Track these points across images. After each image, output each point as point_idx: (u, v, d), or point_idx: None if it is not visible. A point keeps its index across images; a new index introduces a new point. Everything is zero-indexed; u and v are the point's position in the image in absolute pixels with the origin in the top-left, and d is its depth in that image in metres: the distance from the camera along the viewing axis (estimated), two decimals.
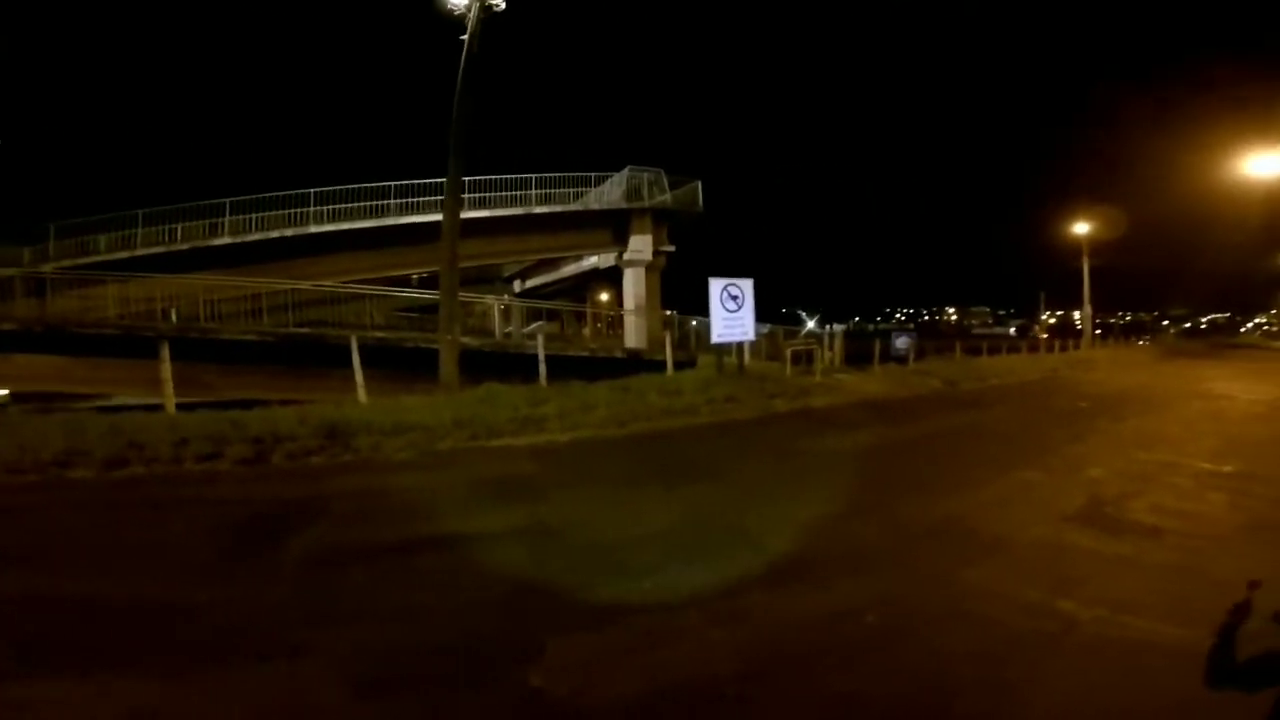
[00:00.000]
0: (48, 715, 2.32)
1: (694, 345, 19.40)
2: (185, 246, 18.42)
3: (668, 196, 23.78)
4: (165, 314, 15.61)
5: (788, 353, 14.72)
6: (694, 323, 20.60)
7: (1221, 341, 52.83)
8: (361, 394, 10.24)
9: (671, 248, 24.66)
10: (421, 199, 20.20)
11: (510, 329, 20.16)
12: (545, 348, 12.79)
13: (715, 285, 12.32)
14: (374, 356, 11.69)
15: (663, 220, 24.24)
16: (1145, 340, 43.71)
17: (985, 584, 3.44)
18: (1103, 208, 31.90)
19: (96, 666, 2.57)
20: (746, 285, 12.62)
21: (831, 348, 19.30)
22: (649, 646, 2.78)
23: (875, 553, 3.89)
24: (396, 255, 20.79)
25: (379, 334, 15.18)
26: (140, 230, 18.33)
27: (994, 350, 24.82)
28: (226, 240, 18.91)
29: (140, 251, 17.83)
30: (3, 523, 4.57)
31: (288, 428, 7.45)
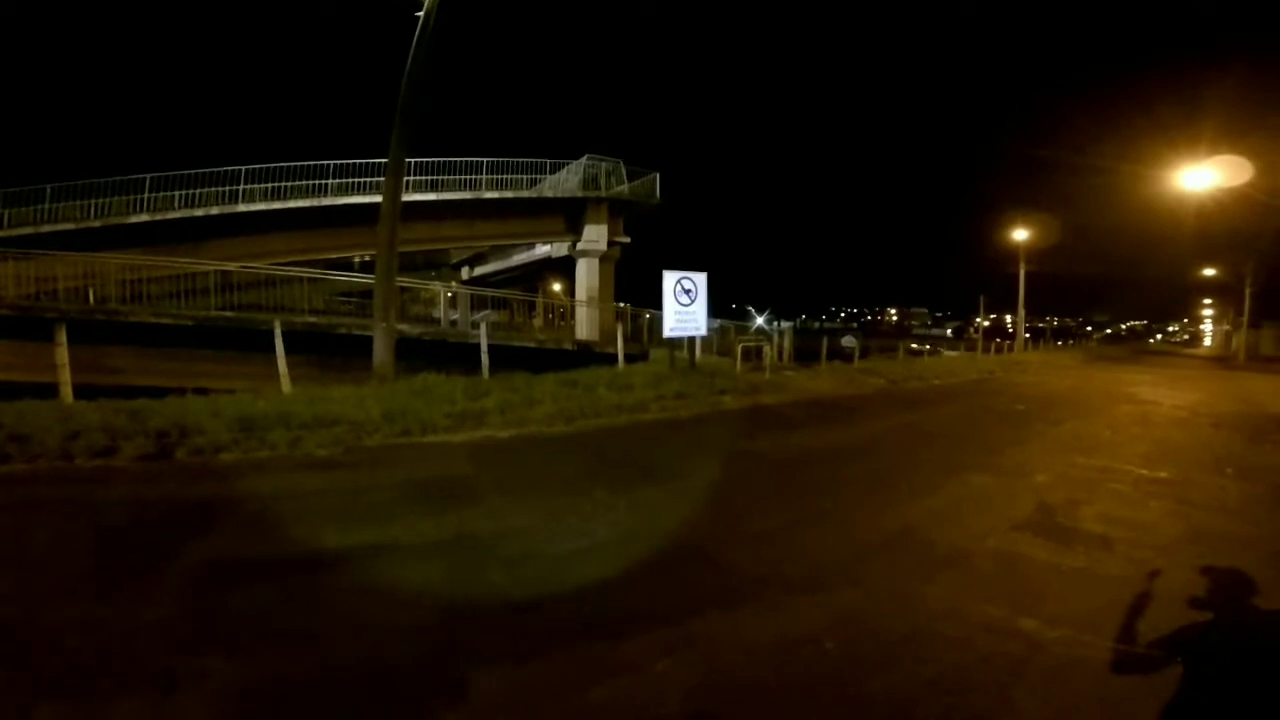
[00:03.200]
0: None
1: (647, 339, 19.17)
2: (98, 223, 17.01)
3: (625, 187, 23.43)
4: (77, 295, 14.32)
5: (738, 349, 14.63)
6: (647, 315, 20.36)
7: (1139, 348, 56.20)
8: (285, 383, 9.54)
9: (627, 239, 24.33)
10: (364, 179, 19.27)
11: (456, 317, 19.45)
12: (491, 337, 12.27)
13: (669, 278, 12.07)
14: (305, 343, 11.02)
15: (619, 211, 23.88)
16: (1070, 344, 46.04)
17: (945, 601, 3.27)
18: (1040, 215, 33.22)
19: None
20: (700, 279, 12.42)
21: (781, 345, 19.38)
22: (585, 683, 2.47)
23: (831, 568, 3.67)
24: (336, 237, 19.80)
25: (310, 319, 14.32)
26: (47, 205, 16.80)
27: (933, 351, 25.50)
28: (146, 218, 17.54)
29: (46, 228, 16.35)
30: None
31: (197, 420, 6.79)
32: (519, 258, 29.16)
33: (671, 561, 3.71)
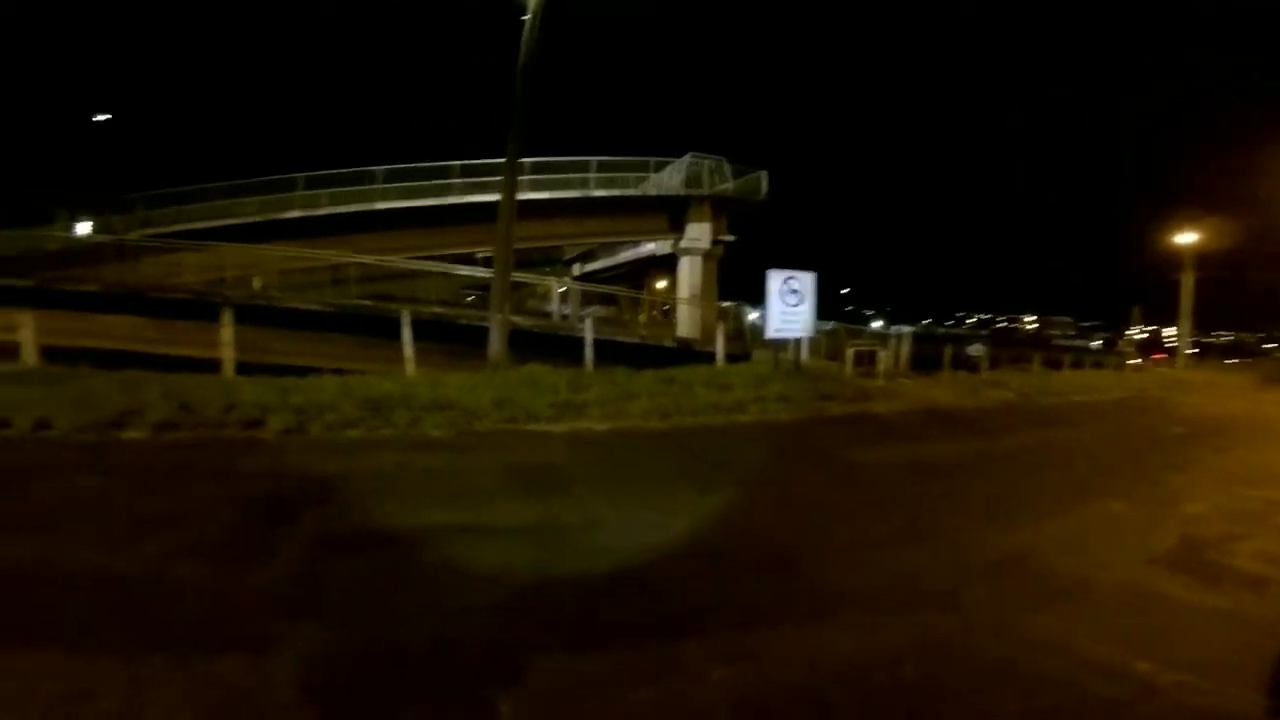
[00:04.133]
0: None
1: (749, 339, 18.85)
2: (260, 219, 19.20)
3: (729, 185, 23.15)
4: (243, 282, 16.30)
5: (849, 353, 14.02)
6: (751, 316, 20.02)
7: None
8: (410, 368, 10.32)
9: (731, 237, 24.04)
10: (485, 179, 20.34)
11: (568, 311, 20.11)
12: (596, 332, 12.60)
13: (775, 278, 11.79)
14: (429, 331, 11.81)
15: (723, 209, 23.64)
16: (1239, 362, 39.43)
17: (1051, 634, 2.94)
18: (1212, 217, 29.00)
19: (54, 641, 2.48)
20: (808, 279, 12.05)
21: (897, 350, 18.34)
22: (635, 681, 2.46)
23: (926, 589, 3.42)
24: (461, 233, 21.06)
25: (435, 310, 15.38)
26: (222, 202, 19.24)
27: (1076, 364, 23.07)
28: (298, 214, 19.59)
29: (218, 222, 18.71)
30: (36, 485, 4.68)
31: (331, 398, 7.50)
32: (626, 255, 29.66)
33: (750, 568, 3.62)
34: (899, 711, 2.36)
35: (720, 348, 13.88)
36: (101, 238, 16.92)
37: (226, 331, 10.31)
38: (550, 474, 5.39)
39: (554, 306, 20.94)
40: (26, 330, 11.04)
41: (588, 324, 13.46)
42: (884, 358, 14.48)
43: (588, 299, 24.27)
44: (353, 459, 5.70)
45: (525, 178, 19.99)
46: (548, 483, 5.08)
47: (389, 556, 3.54)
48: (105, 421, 6.63)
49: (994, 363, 19.36)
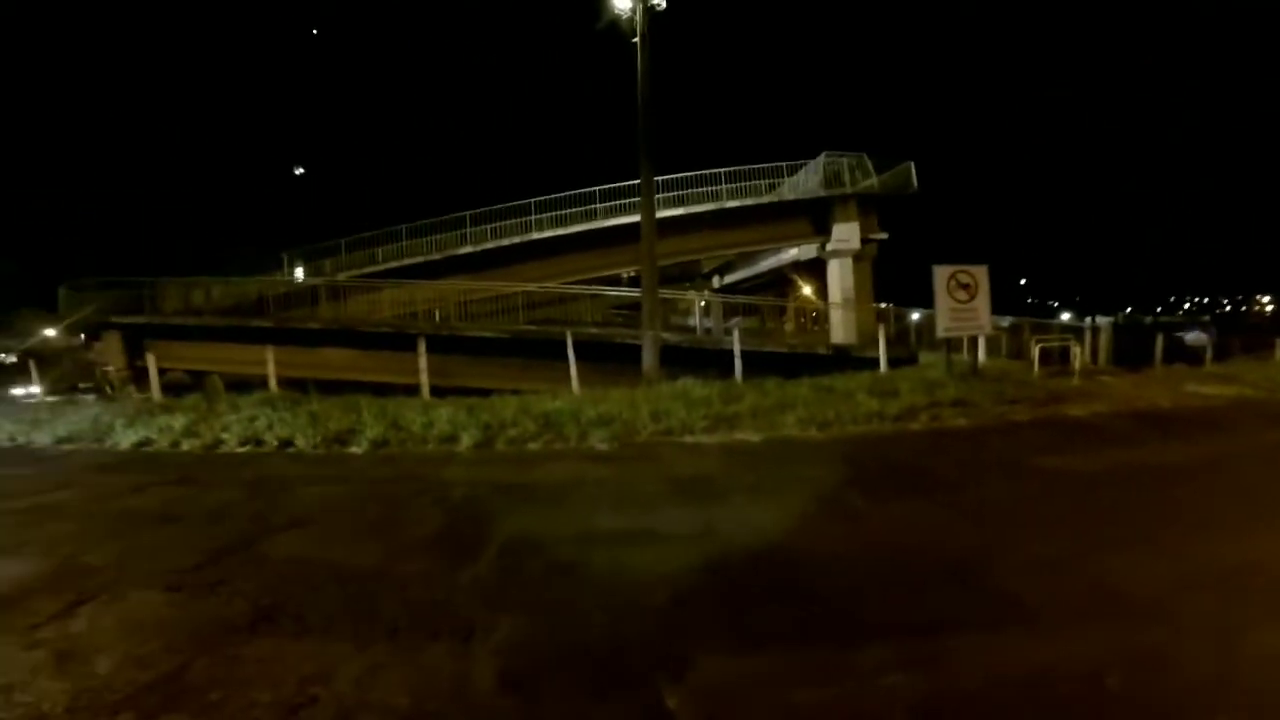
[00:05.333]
0: (240, 673, 2.73)
1: (914, 341, 17.70)
2: (438, 256, 21.58)
3: (874, 180, 21.98)
4: (428, 314, 18.44)
5: (1035, 350, 12.66)
6: (914, 316, 18.78)
7: None
8: (575, 386, 11.05)
9: (883, 235, 22.76)
10: (625, 201, 21.21)
11: (710, 324, 20.26)
12: (743, 343, 12.60)
13: (941, 273, 11.03)
14: (588, 351, 12.57)
15: (870, 206, 22.48)
16: None
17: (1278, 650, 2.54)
18: None
19: (304, 628, 3.08)
20: (980, 272, 11.12)
21: (1094, 344, 16.19)
22: (800, 682, 2.51)
23: (1135, 600, 3.08)
24: (607, 256, 22.08)
25: (592, 330, 16.28)
26: (405, 243, 21.96)
27: None
28: (469, 249, 21.73)
29: (405, 261, 21.32)
30: (295, 492, 5.70)
31: (511, 415, 8.29)
32: (766, 263, 29.20)
33: (928, 577, 3.48)
34: None
35: (882, 352, 13.19)
36: (318, 280, 20.08)
37: (422, 359, 11.77)
38: (708, 484, 5.52)
39: (696, 320, 21.17)
40: (270, 364, 13.38)
41: (735, 336, 13.48)
42: (1078, 353, 12.87)
43: (729, 311, 24.25)
44: (534, 470, 6.28)
45: (659, 195, 20.56)
46: (706, 492, 5.23)
47: (570, 557, 3.89)
48: (332, 438, 7.92)
49: (1221, 352, 16.39)
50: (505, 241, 21.76)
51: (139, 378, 14.87)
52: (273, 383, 13.30)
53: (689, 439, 7.45)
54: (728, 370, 11.84)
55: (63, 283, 18.90)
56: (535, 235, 21.80)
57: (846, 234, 22.35)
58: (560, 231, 21.89)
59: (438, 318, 18.20)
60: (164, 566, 3.90)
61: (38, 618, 3.19)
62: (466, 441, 7.46)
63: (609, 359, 14.59)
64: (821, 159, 22.53)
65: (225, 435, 8.21)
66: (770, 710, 2.37)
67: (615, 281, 23.92)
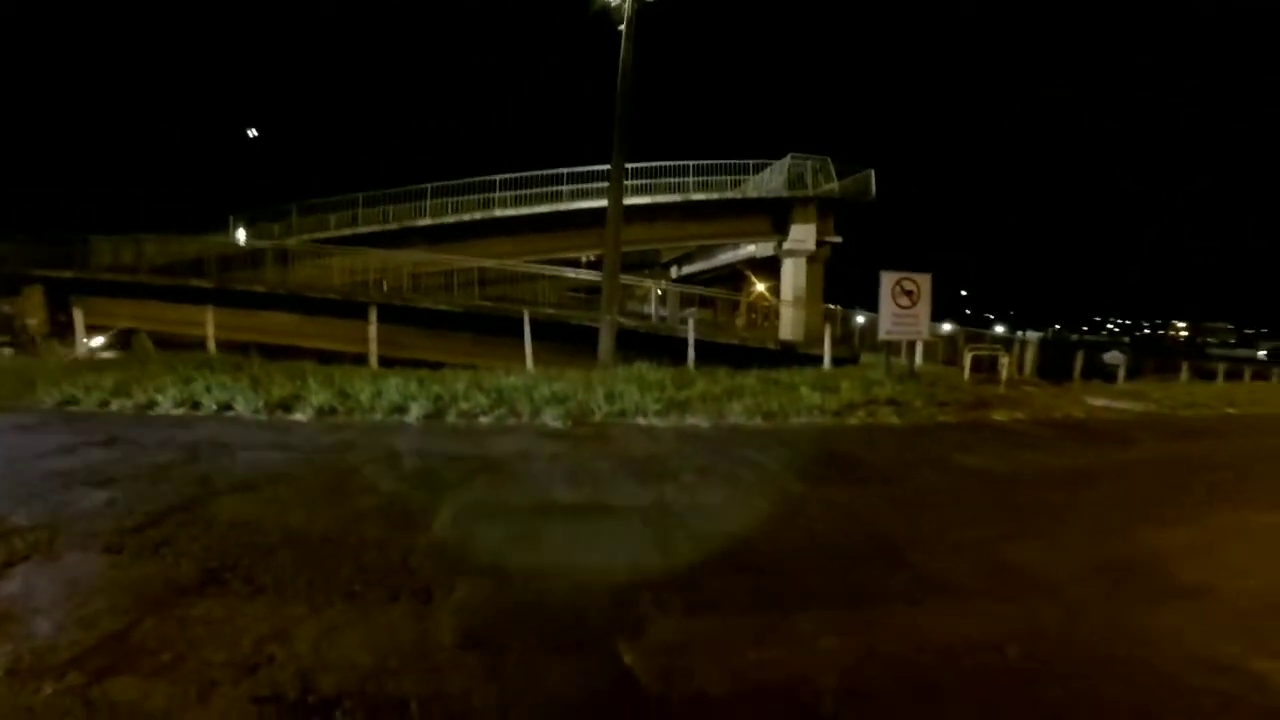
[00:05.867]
0: (192, 634, 2.77)
1: (857, 342, 18.39)
2: (395, 226, 21.11)
3: (834, 185, 22.65)
4: (378, 284, 18.03)
5: (968, 358, 13.39)
6: (860, 319, 19.49)
7: None
8: (530, 363, 11.08)
9: (838, 239, 23.49)
10: (590, 185, 21.18)
11: (665, 313, 20.53)
12: (696, 333, 12.86)
13: (887, 279, 11.55)
14: (544, 331, 12.60)
15: (829, 210, 23.16)
16: None
17: (1166, 632, 2.92)
18: None
19: (259, 590, 3.12)
20: (924, 281, 11.69)
21: (1021, 356, 17.21)
22: (746, 644, 2.72)
23: (1038, 585, 3.43)
24: (569, 238, 22.04)
25: (549, 311, 16.27)
26: (360, 210, 21.35)
27: (1233, 374, 20.56)
28: (427, 222, 21.33)
29: (360, 229, 20.78)
30: (230, 459, 5.60)
31: (463, 389, 8.27)
32: (724, 257, 29.69)
33: (859, 555, 3.76)
34: (1001, 688, 2.48)
35: (827, 350, 13.70)
36: (264, 243, 19.34)
37: (372, 328, 11.55)
38: (659, 464, 5.71)
39: (652, 308, 21.41)
40: (209, 325, 12.86)
41: (690, 325, 13.76)
42: (1006, 364, 13.69)
43: (685, 301, 24.57)
44: (487, 442, 6.33)
45: (627, 183, 20.62)
46: (657, 471, 5.42)
47: (526, 527, 4.01)
48: (275, 404, 7.74)
49: (1135, 372, 17.71)
50: (466, 217, 21.45)
51: (61, 333, 14.02)
52: (211, 345, 12.79)
53: (642, 421, 7.63)
54: (680, 358, 12.08)
55: None
56: (497, 213, 21.57)
57: (803, 235, 22.95)
58: (523, 211, 21.71)
59: (386, 288, 17.79)
60: (101, 528, 3.79)
61: None
62: (416, 412, 7.42)
63: (565, 339, 14.63)
64: (787, 160, 23.03)
65: (159, 397, 7.90)
66: (720, 667, 2.56)
67: (574, 264, 23.87)
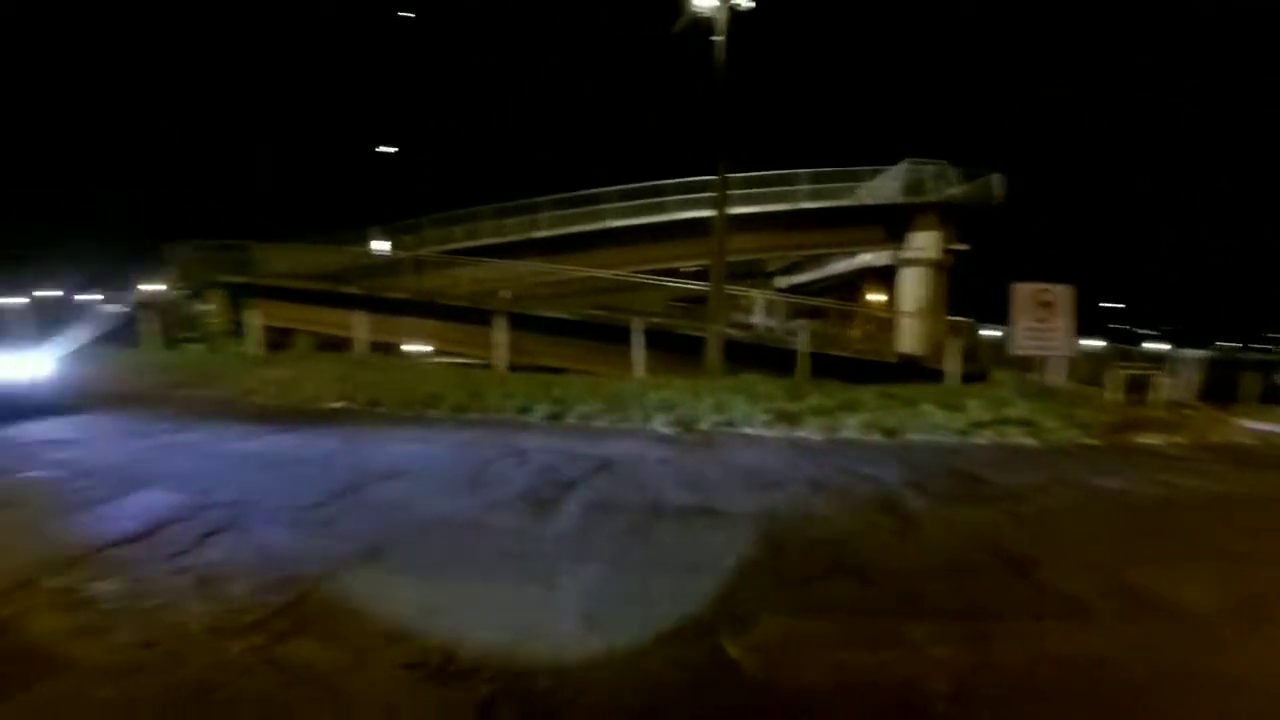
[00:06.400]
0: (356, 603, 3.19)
1: (986, 357, 17.21)
2: (515, 238, 22.38)
3: (957, 190, 21.36)
4: (491, 294, 19.23)
5: (1116, 377, 12.20)
6: (991, 332, 18.25)
7: None
8: (639, 371, 11.41)
9: (964, 246, 22.11)
10: (695, 195, 21.35)
11: (772, 323, 20.24)
12: (807, 344, 12.64)
13: (1022, 290, 10.81)
14: (651, 339, 12.89)
15: (951, 216, 21.87)
16: None
17: None
18: None
19: (417, 568, 3.52)
20: (1064, 293, 10.84)
21: (1182, 376, 15.38)
22: (857, 647, 2.77)
23: (1169, 610, 3.24)
24: (674, 248, 22.30)
25: (656, 320, 16.55)
26: (485, 223, 22.88)
27: None
28: (544, 233, 22.44)
29: (484, 241, 22.22)
30: (380, 449, 6.25)
31: (579, 393, 8.73)
32: (836, 266, 28.76)
33: (980, 570, 3.68)
34: (1112, 706, 2.42)
35: (952, 365, 12.97)
36: (401, 254, 21.18)
37: (498, 334, 12.39)
38: (769, 473, 5.77)
39: (757, 319, 21.15)
40: (360, 328, 14.31)
41: (801, 336, 13.52)
42: (1162, 384, 12.32)
43: (795, 311, 24.07)
44: (602, 444, 6.68)
45: (735, 192, 20.59)
46: (767, 480, 5.48)
47: (641, 522, 4.25)
48: (418, 402, 8.54)
49: None
50: (578, 228, 22.35)
51: (237, 332, 16.11)
52: (360, 346, 14.23)
53: (750, 431, 7.69)
54: (788, 370, 11.93)
55: (170, 242, 20.69)
56: (609, 224, 22.31)
57: (924, 243, 21.85)
58: (631, 221, 22.29)
59: (506, 297, 18.87)
60: (280, 505, 4.43)
61: (179, 547, 3.67)
62: (539, 413, 7.93)
63: (670, 348, 14.85)
64: (903, 166, 22.08)
65: (323, 392, 8.96)
66: (824, 665, 2.65)
67: (676, 274, 24.15)
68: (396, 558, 3.66)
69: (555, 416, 7.90)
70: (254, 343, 14.47)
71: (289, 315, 17.67)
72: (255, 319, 14.93)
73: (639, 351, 11.46)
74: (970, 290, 23.08)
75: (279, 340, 16.14)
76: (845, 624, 2.99)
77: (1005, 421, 8.60)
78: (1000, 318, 12.78)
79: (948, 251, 21.89)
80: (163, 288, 23.62)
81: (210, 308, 18.53)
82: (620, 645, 2.75)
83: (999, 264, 20.18)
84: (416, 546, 3.83)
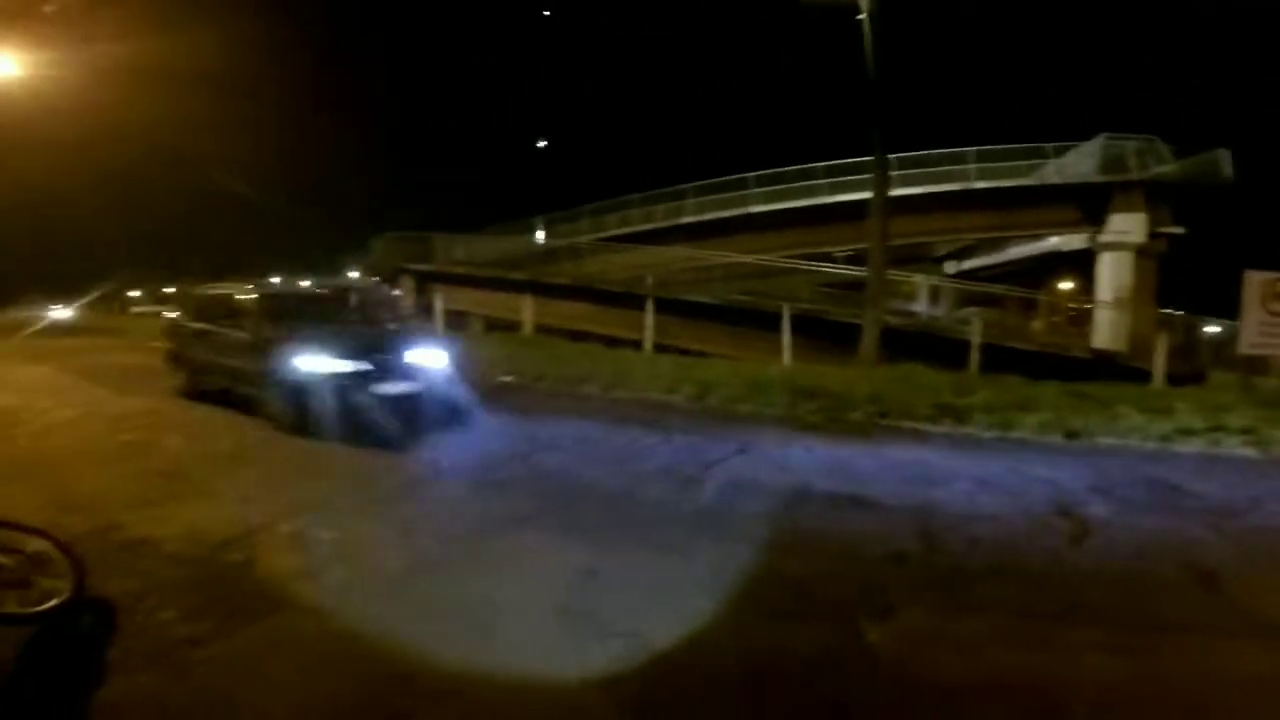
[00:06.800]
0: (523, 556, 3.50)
1: (1204, 357, 14.70)
2: (664, 224, 22.90)
3: (1169, 167, 18.31)
4: (640, 279, 19.85)
5: None
6: (1212, 328, 15.54)
7: None
8: (786, 357, 11.23)
9: (1178, 229, 18.98)
10: (849, 177, 20.30)
11: (938, 311, 18.79)
12: (979, 334, 11.61)
13: (1255, 280, 9.10)
14: (798, 325, 12.60)
15: (1161, 196, 18.81)
16: None
17: None
18: None
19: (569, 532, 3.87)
20: None
21: None
22: (1006, 645, 2.65)
23: None
24: (824, 233, 21.46)
25: (805, 305, 16.08)
26: (634, 210, 23.66)
27: None
28: (690, 219, 22.72)
29: (633, 228, 22.96)
30: (539, 425, 6.80)
31: (722, 376, 8.82)
32: (1016, 251, 25.92)
33: (1165, 584, 3.30)
34: None
35: (1160, 363, 11.23)
36: (561, 242, 22.59)
37: (648, 318, 12.85)
38: (927, 467, 5.43)
39: (920, 306, 19.73)
40: (527, 311, 15.56)
41: (974, 325, 12.43)
42: None
43: (965, 299, 22.07)
44: (743, 428, 6.74)
45: (894, 173, 19.22)
46: (926, 476, 5.16)
47: (784, 506, 4.28)
48: (573, 378, 9.14)
49: None
50: (724, 213, 22.34)
51: (426, 311, 18.17)
52: (528, 327, 15.46)
53: (908, 424, 7.27)
54: (956, 362, 11.05)
55: (372, 235, 23.99)
56: (752, 209, 22.12)
57: (1127, 225, 19.08)
58: (777, 206, 21.89)
59: (654, 281, 19.37)
60: (464, 468, 5.09)
61: (380, 503, 4.33)
62: (684, 394, 8.14)
63: (820, 335, 14.39)
64: (1100, 141, 19.40)
65: (490, 367, 9.88)
66: (963, 659, 2.58)
67: (829, 259, 23.26)
68: (557, 520, 4.04)
69: (697, 398, 8.06)
70: (438, 323, 16.23)
71: (464, 299, 19.58)
72: (441, 302, 16.71)
73: (785, 336, 11.25)
74: (1188, 280, 19.69)
75: (456, 322, 17.94)
76: (996, 623, 2.85)
77: (1221, 429, 7.31)
78: (1225, 312, 10.87)
79: (1156, 235, 18.93)
80: (356, 275, 27.37)
81: (398, 293, 21.06)
82: (749, 621, 2.85)
83: (1225, 251, 16.96)
84: (576, 510, 4.24)
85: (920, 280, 21.42)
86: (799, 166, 21.95)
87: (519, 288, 17.04)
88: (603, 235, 23.20)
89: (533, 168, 34.34)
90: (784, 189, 22.05)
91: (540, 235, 25.37)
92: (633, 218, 23.94)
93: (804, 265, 19.59)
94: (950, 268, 30.75)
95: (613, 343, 12.71)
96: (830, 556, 3.54)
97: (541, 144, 34.14)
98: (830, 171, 21.25)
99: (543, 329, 16.16)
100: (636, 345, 12.81)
